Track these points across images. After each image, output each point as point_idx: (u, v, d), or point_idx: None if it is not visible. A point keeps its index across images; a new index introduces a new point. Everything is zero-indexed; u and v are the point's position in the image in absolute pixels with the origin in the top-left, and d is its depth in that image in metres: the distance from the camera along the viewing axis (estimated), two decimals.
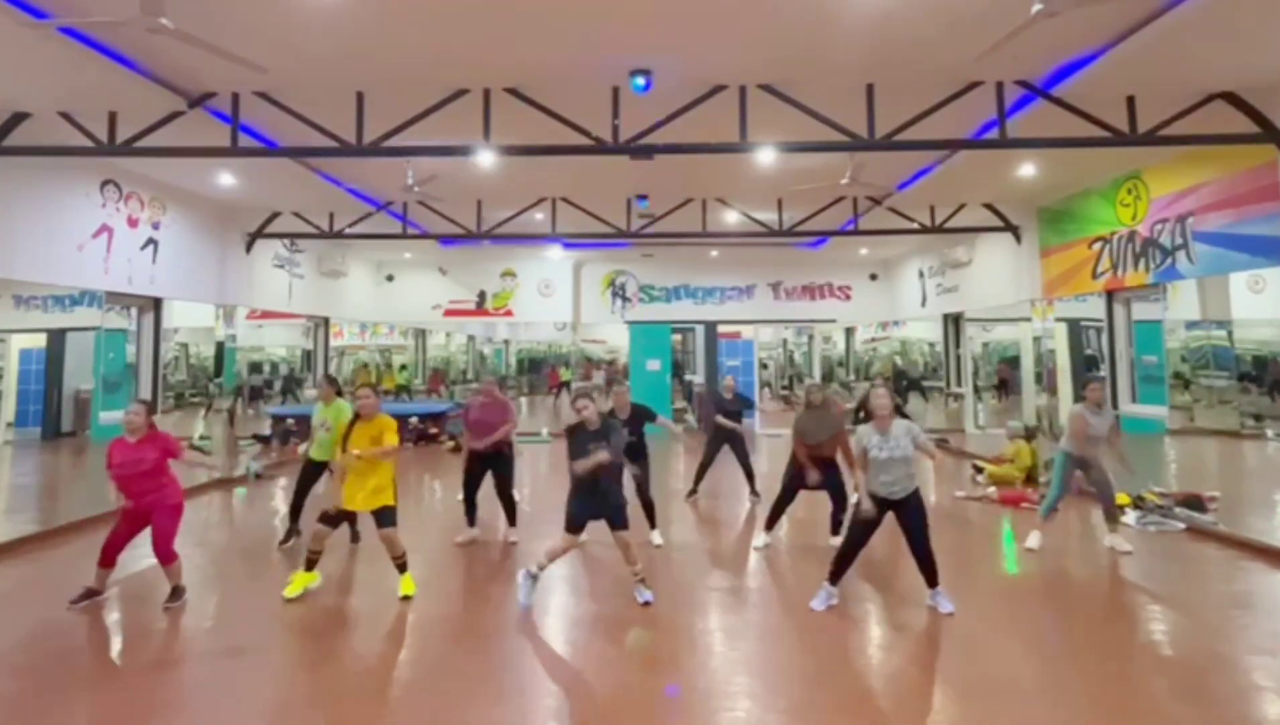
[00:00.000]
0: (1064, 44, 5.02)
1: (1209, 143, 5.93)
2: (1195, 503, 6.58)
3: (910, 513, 4.40)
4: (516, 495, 7.43)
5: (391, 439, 4.70)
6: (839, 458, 5.62)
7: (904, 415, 7.38)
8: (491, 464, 6.05)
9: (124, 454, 4.48)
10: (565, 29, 4.78)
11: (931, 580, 4.47)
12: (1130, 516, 6.64)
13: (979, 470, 8.58)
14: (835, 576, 4.53)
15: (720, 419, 7.49)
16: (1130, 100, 5.77)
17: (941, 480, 8.90)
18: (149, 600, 4.69)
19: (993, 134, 5.95)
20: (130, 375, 8.80)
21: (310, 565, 4.77)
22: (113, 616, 4.51)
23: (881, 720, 3.27)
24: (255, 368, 12.69)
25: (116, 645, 4.16)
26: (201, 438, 9.87)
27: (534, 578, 4.62)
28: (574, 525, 4.58)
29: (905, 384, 14.39)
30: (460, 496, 6.17)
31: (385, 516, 4.71)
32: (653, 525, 6.01)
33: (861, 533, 4.48)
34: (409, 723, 3.26)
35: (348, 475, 4.72)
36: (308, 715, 3.33)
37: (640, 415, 5.96)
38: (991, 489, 7.88)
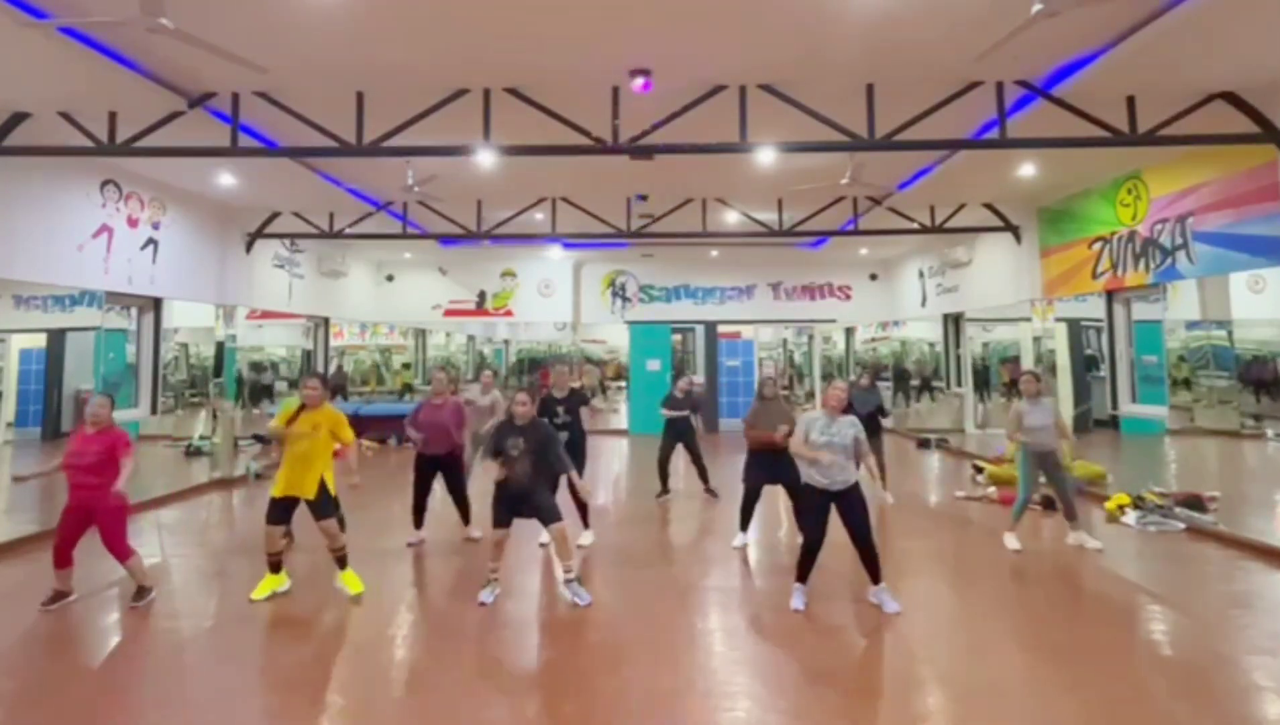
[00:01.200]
0: (1064, 44, 5.02)
1: (1209, 143, 5.92)
2: (1195, 503, 6.58)
3: (851, 505, 4.44)
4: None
5: (346, 434, 4.75)
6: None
7: (885, 415, 7.54)
8: (442, 466, 6.00)
9: (76, 443, 4.47)
10: (565, 29, 4.78)
11: (875, 576, 4.51)
12: (1130, 516, 6.64)
13: (979, 470, 8.58)
14: (803, 575, 4.57)
15: (665, 410, 7.71)
16: (1130, 100, 5.77)
17: (942, 480, 8.90)
18: (151, 599, 4.70)
19: (993, 134, 5.94)
20: (130, 375, 8.80)
21: (274, 568, 4.76)
22: (113, 617, 4.51)
23: (881, 720, 3.28)
24: (256, 367, 12.70)
25: (115, 646, 4.17)
26: (201, 438, 9.88)
27: (491, 580, 4.68)
28: (498, 521, 4.63)
29: (919, 385, 14.39)
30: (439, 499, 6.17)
31: (317, 508, 4.68)
32: (585, 524, 6.03)
33: (813, 527, 4.51)
34: (408, 721, 3.26)
35: (283, 462, 4.70)
36: (295, 716, 3.33)
37: (577, 398, 6.11)
38: (991, 489, 7.88)
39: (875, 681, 3.67)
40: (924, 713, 3.32)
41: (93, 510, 4.48)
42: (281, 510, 4.70)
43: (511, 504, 4.63)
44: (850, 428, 4.49)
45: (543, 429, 4.75)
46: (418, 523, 6.03)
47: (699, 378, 14.58)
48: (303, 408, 4.76)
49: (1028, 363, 9.69)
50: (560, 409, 6.01)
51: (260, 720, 3.29)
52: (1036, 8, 3.96)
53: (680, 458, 7.96)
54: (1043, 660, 3.81)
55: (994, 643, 4.06)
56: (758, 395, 5.95)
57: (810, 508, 4.53)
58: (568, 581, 4.64)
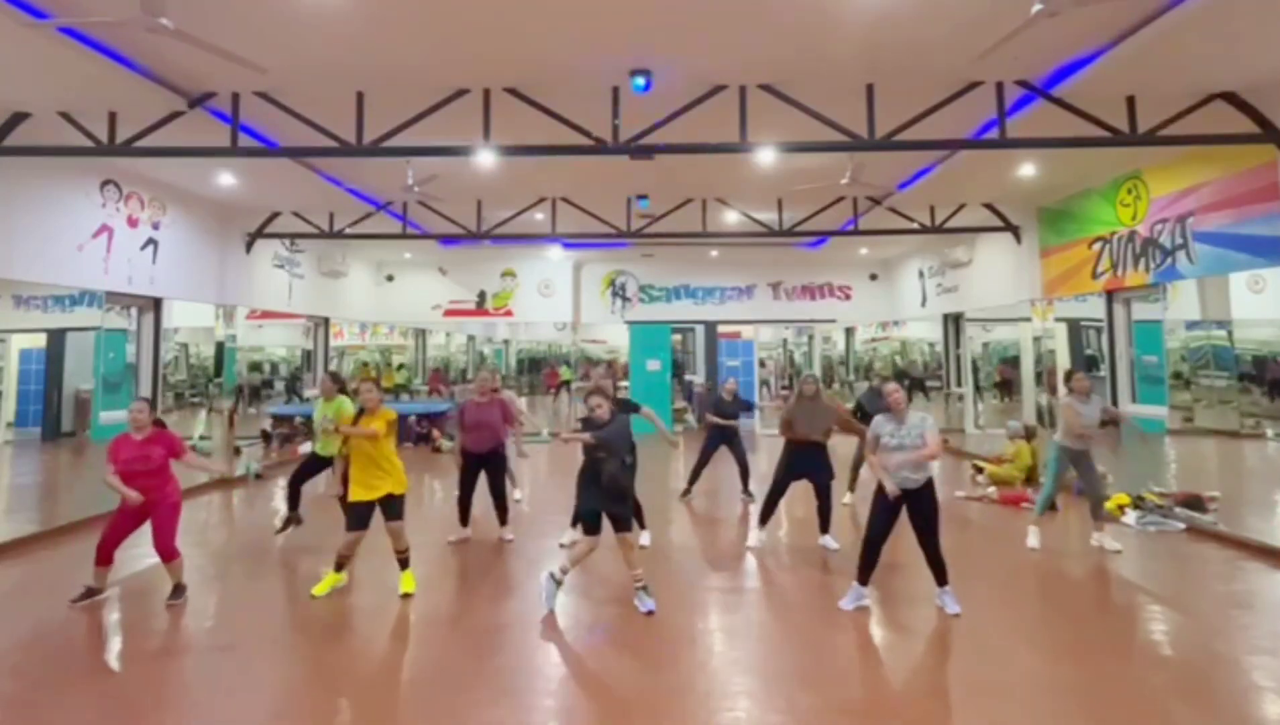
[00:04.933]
0: (1064, 44, 5.02)
1: (1209, 143, 5.92)
2: (1195, 503, 6.58)
3: (923, 503, 4.38)
4: (517, 494, 7.45)
5: (377, 425, 4.72)
6: (832, 445, 5.73)
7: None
8: (486, 464, 6.01)
9: (131, 451, 4.52)
10: (565, 29, 4.78)
11: (941, 578, 4.45)
12: (1130, 516, 6.64)
13: (979, 470, 8.58)
14: (864, 575, 4.48)
15: (713, 417, 7.50)
16: (1130, 100, 5.77)
17: (942, 480, 8.89)
18: (150, 599, 4.70)
19: (993, 134, 5.94)
20: (130, 375, 8.80)
21: (339, 567, 4.81)
22: (114, 616, 4.51)
23: (882, 720, 3.27)
24: (255, 367, 12.70)
25: (118, 644, 4.16)
26: (201, 437, 9.88)
27: (557, 581, 4.53)
28: (586, 523, 4.55)
29: (908, 384, 14.38)
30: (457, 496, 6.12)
31: (392, 507, 4.72)
32: (641, 526, 5.93)
33: (881, 525, 4.42)
34: (408, 721, 3.26)
35: (351, 467, 4.72)
36: (307, 714, 3.33)
37: (626, 406, 5.86)
38: (991, 489, 7.88)
39: (875, 681, 3.67)
40: (924, 712, 3.32)
41: (153, 508, 4.57)
42: (360, 514, 4.69)
43: (603, 501, 4.51)
44: (919, 426, 4.37)
45: (620, 425, 4.66)
46: (463, 520, 6.04)
47: (699, 378, 14.60)
48: (361, 413, 4.77)
49: (1028, 363, 9.70)
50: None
51: (269, 720, 3.29)
52: (1036, 8, 3.96)
53: (723, 462, 7.74)
54: (1043, 660, 3.81)
55: (994, 643, 4.06)
56: (798, 393, 5.83)
57: (878, 505, 4.43)
58: (637, 588, 4.58)
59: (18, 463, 8.08)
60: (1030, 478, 8.16)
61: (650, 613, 4.44)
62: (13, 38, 4.55)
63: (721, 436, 7.53)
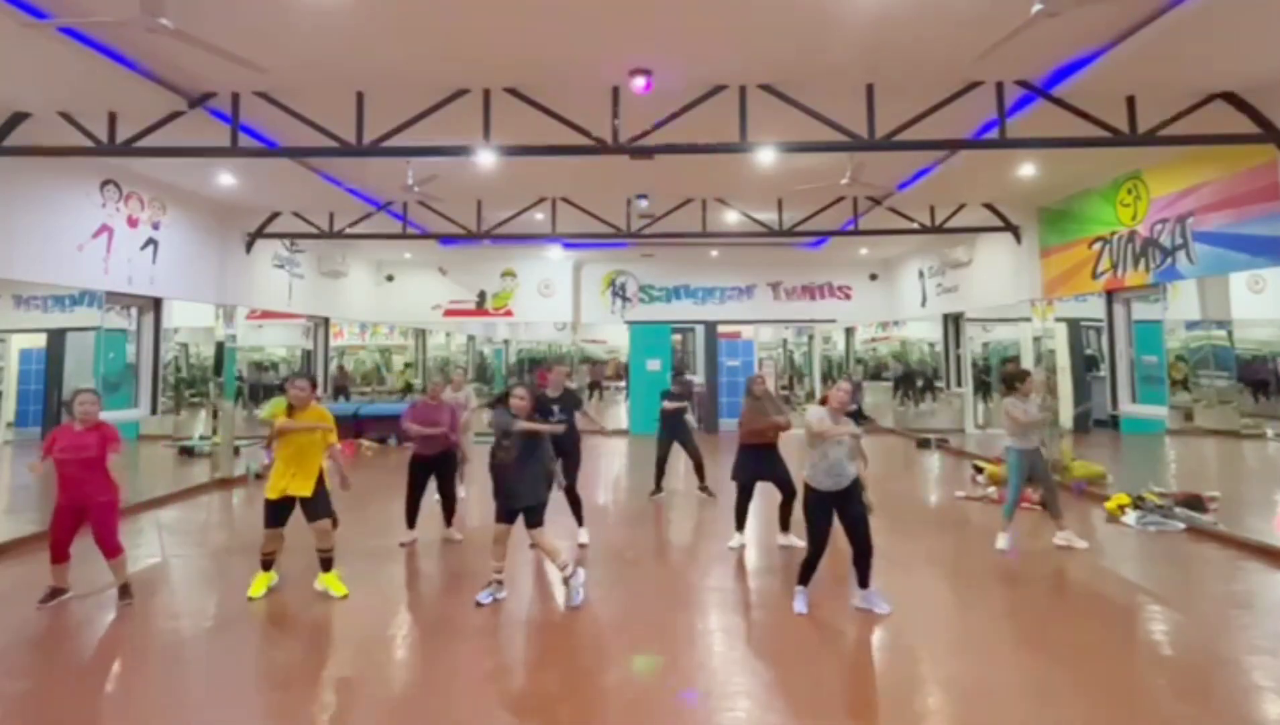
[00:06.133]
0: (1064, 44, 5.02)
1: (1209, 143, 5.92)
2: (1195, 503, 6.58)
3: (851, 503, 4.41)
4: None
5: (330, 435, 4.80)
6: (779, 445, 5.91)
7: (862, 417, 7.59)
8: (436, 467, 6.03)
9: (68, 439, 4.47)
10: (565, 29, 4.78)
11: (864, 579, 4.47)
12: (1130, 516, 6.64)
13: (979, 470, 8.58)
14: (805, 577, 4.53)
15: (666, 403, 7.72)
16: (1130, 100, 5.77)
17: (942, 480, 8.90)
18: (149, 598, 4.70)
19: (993, 134, 5.94)
20: (130, 375, 8.80)
21: (266, 566, 4.81)
22: (110, 616, 4.51)
23: (881, 720, 3.27)
24: (256, 367, 12.71)
25: (114, 645, 4.16)
26: (201, 437, 9.87)
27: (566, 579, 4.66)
28: (500, 516, 4.60)
29: (920, 385, 14.42)
30: (433, 496, 6.15)
31: (311, 507, 4.71)
32: (579, 522, 6.03)
33: (817, 531, 4.45)
34: (407, 722, 3.26)
35: (274, 466, 4.73)
36: (297, 714, 3.33)
37: (570, 399, 6.10)
38: (991, 489, 7.87)
39: (875, 681, 3.67)
40: (924, 712, 3.32)
41: (86, 506, 4.50)
42: (279, 512, 4.72)
43: (506, 499, 4.60)
44: (850, 426, 4.45)
45: (502, 416, 4.65)
46: (411, 522, 6.04)
47: (698, 378, 14.60)
48: (291, 409, 4.77)
49: (1028, 363, 9.69)
50: (555, 408, 6.00)
51: (256, 720, 3.29)
52: (1036, 8, 3.96)
53: (680, 458, 7.96)
54: (1043, 660, 3.81)
55: (995, 642, 4.06)
56: (748, 393, 6.05)
57: (813, 511, 4.46)
58: (565, 579, 4.64)
59: (18, 463, 8.09)
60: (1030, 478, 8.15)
61: (579, 604, 4.54)
62: (13, 38, 4.55)
63: (670, 429, 7.72)
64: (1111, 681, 3.56)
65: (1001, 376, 8.91)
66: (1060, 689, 3.49)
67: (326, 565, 4.80)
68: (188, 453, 9.96)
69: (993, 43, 4.39)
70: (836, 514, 4.43)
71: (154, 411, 9.06)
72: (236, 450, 9.78)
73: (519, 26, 4.73)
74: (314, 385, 4.90)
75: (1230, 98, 5.67)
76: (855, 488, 4.44)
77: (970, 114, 6.02)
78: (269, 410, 5.73)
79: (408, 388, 15.76)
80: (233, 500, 8.04)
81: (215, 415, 9.48)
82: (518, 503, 4.58)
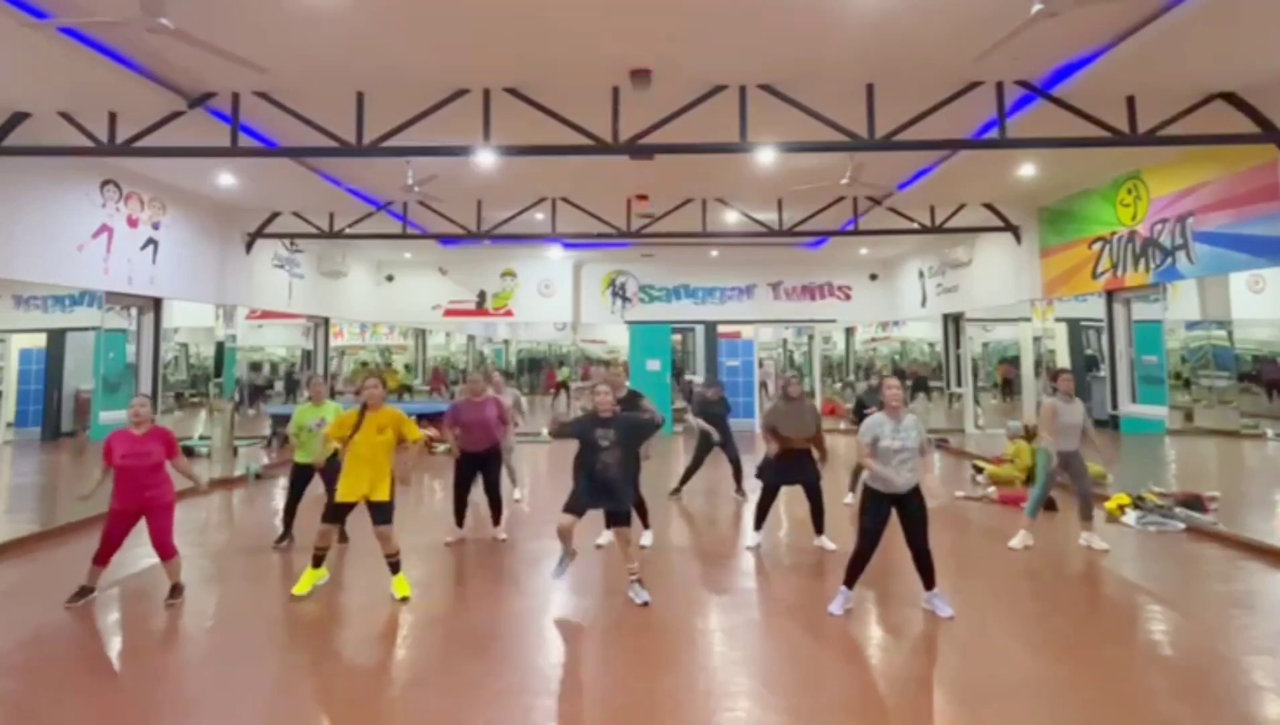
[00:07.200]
0: (1064, 44, 5.02)
1: (1209, 143, 5.92)
2: (1195, 503, 6.58)
3: (914, 507, 4.37)
4: (517, 494, 7.45)
5: (413, 433, 4.75)
6: (814, 453, 5.69)
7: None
8: (481, 464, 5.99)
9: (130, 446, 4.50)
10: (565, 29, 4.78)
11: (929, 581, 4.42)
12: (1130, 516, 6.63)
13: (979, 470, 8.57)
14: (851, 579, 4.44)
15: (700, 421, 7.39)
16: (1130, 100, 5.77)
17: (942, 480, 8.89)
18: (149, 599, 4.70)
19: (993, 134, 5.95)
20: (130, 375, 8.80)
21: (317, 562, 4.78)
22: (113, 616, 4.51)
23: (881, 721, 3.27)
24: (255, 367, 12.70)
25: (116, 645, 4.16)
26: (201, 437, 9.87)
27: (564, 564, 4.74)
28: (575, 508, 4.57)
29: (912, 385, 14.41)
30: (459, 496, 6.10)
31: (382, 512, 4.67)
32: (645, 525, 5.89)
33: (874, 530, 4.37)
34: (407, 722, 3.26)
35: (345, 467, 4.70)
36: (306, 715, 3.33)
37: (634, 402, 5.84)
38: (991, 489, 7.87)
39: (876, 681, 3.67)
40: (924, 712, 3.31)
41: (147, 509, 4.54)
42: (342, 512, 4.72)
43: (595, 495, 4.57)
44: (914, 427, 4.37)
45: (628, 418, 4.71)
46: (459, 522, 6.01)
47: (698, 378, 14.60)
48: (365, 409, 4.73)
49: (1028, 363, 9.70)
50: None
51: (266, 721, 3.29)
52: (1036, 8, 3.96)
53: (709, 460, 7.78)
54: (1044, 660, 3.81)
55: (995, 642, 4.06)
56: (783, 395, 5.75)
57: (870, 511, 4.38)
58: (631, 581, 4.63)
59: (18, 463, 8.09)
60: (1030, 478, 8.15)
61: (646, 604, 4.50)
62: (13, 38, 4.55)
63: (711, 439, 7.51)
64: (1111, 681, 3.56)
65: (1049, 373, 8.83)
66: (1060, 688, 3.48)
67: (395, 568, 4.75)
68: (188, 453, 9.94)
69: (993, 43, 4.40)
70: (898, 516, 4.36)
71: (154, 411, 9.05)
72: (235, 450, 9.78)
73: (519, 26, 4.74)
74: (385, 383, 4.87)
75: (1230, 98, 5.67)
76: (917, 493, 4.38)
77: (970, 114, 6.02)
78: (326, 413, 5.67)
79: (405, 389, 15.73)
80: (233, 500, 8.03)
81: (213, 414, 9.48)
82: (621, 505, 4.57)
